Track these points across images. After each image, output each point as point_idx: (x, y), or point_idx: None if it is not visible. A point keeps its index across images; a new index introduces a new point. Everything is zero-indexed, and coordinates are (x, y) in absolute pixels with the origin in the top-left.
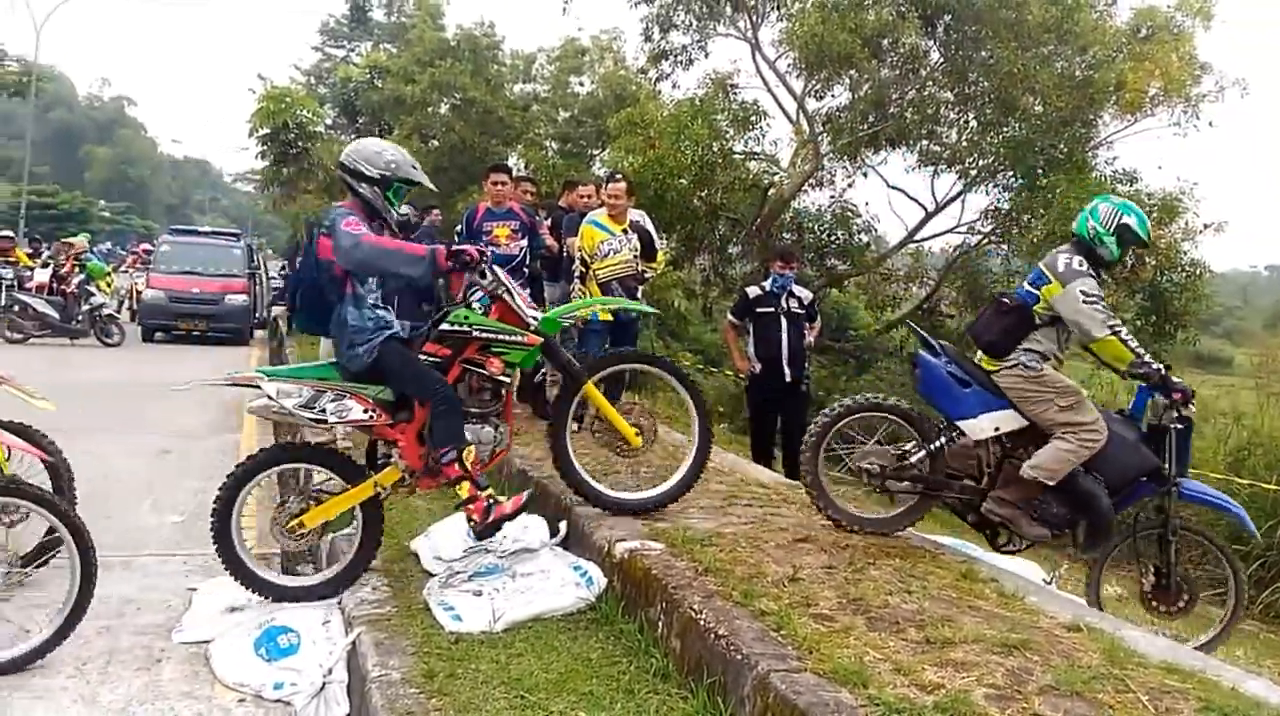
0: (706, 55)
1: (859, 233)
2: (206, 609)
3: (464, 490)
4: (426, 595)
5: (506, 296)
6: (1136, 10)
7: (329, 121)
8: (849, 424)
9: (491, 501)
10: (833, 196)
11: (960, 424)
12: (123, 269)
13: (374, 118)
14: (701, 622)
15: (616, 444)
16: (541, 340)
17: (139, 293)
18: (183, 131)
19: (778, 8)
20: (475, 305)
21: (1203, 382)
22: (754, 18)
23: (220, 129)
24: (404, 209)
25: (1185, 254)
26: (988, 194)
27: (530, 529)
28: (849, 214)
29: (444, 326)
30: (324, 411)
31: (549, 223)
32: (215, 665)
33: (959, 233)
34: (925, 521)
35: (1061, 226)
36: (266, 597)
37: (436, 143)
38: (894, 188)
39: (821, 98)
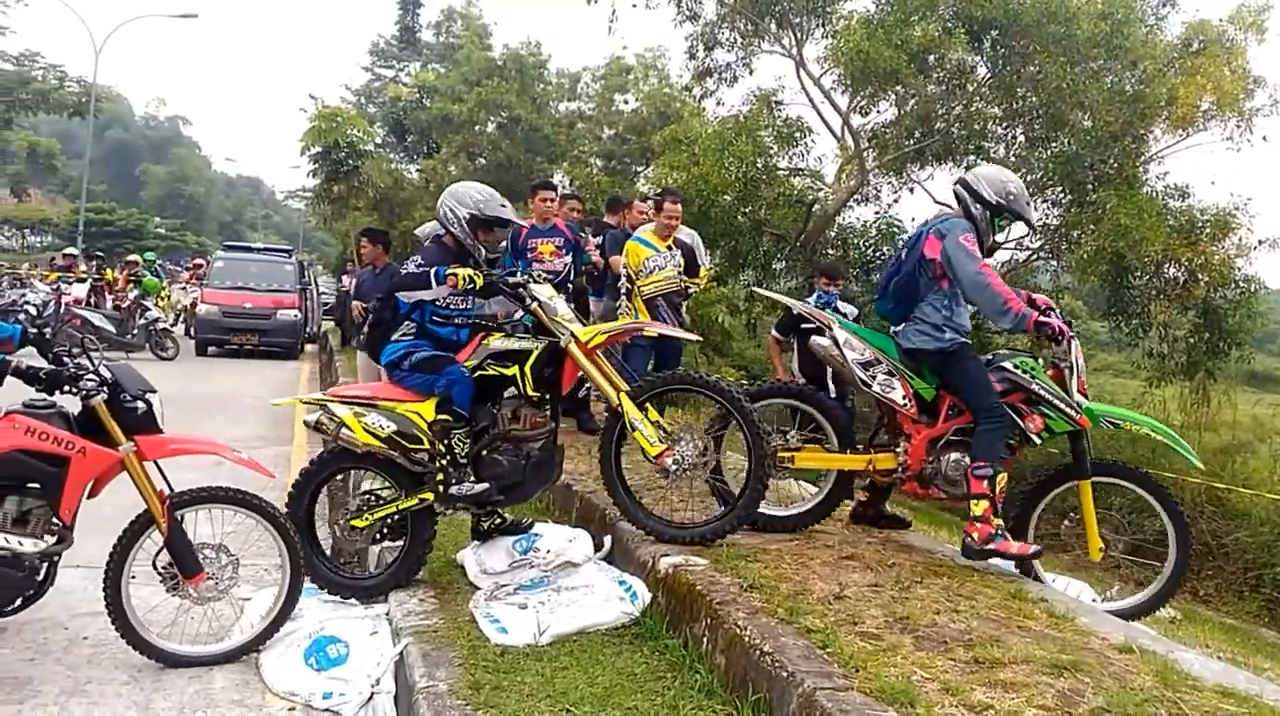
0: (751, 72)
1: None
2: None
3: (979, 507)
4: (473, 607)
5: (1068, 372)
6: (1187, 24)
7: (378, 140)
8: None
9: (1000, 532)
10: (878, 212)
11: None
12: (178, 284)
13: (422, 136)
14: (746, 639)
15: (1079, 541)
16: (1090, 425)
17: (193, 307)
18: (236, 150)
19: (822, 24)
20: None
21: (1258, 402)
22: (798, 35)
23: (272, 147)
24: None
25: (1239, 270)
26: (1036, 209)
27: (575, 543)
28: (895, 229)
29: (1005, 365)
30: (874, 377)
31: (596, 239)
32: (265, 674)
33: (1007, 248)
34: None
35: (1112, 242)
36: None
37: (483, 160)
38: (941, 203)
39: (867, 114)
